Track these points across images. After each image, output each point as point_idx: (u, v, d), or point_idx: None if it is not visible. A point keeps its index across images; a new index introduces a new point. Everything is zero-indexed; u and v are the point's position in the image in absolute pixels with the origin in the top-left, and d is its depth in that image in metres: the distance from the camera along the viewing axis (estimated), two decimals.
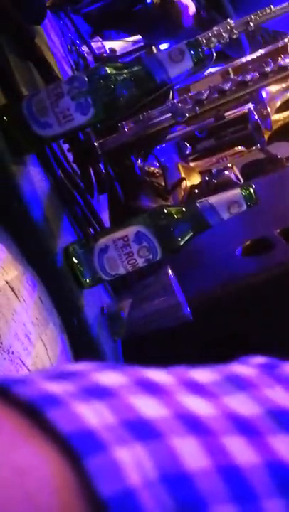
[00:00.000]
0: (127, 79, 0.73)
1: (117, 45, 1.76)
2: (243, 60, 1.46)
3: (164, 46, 1.92)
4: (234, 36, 0.82)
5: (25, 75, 0.86)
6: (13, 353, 0.57)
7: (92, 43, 1.59)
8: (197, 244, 1.06)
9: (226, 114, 1.41)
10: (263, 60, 1.26)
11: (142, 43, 1.80)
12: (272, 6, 0.90)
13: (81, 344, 0.79)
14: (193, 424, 0.18)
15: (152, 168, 1.57)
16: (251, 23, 0.87)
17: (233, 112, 1.53)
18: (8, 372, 0.55)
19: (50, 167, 0.85)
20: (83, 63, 1.48)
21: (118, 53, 1.72)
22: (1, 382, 0.18)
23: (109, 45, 1.72)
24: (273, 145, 1.80)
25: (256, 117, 1.57)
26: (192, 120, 1.29)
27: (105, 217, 1.19)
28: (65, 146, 1.02)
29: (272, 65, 1.21)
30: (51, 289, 0.75)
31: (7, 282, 0.61)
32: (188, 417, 0.19)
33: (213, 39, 0.79)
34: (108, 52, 1.67)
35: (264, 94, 1.52)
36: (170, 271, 0.92)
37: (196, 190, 1.66)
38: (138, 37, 1.85)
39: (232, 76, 1.37)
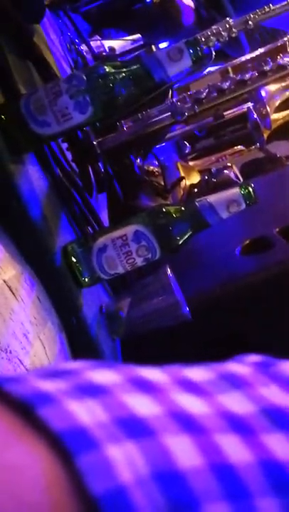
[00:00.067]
0: (126, 78, 0.73)
1: (116, 44, 1.75)
2: (243, 58, 1.46)
3: (163, 45, 1.91)
4: (233, 35, 0.82)
5: (24, 73, 0.86)
6: (11, 352, 0.57)
7: (91, 42, 1.59)
8: (196, 243, 1.07)
9: (226, 113, 1.40)
10: (262, 58, 1.26)
11: (142, 42, 1.79)
12: (271, 5, 0.90)
13: (80, 343, 0.79)
14: (187, 423, 0.18)
15: (151, 167, 1.57)
16: (250, 22, 0.87)
17: (232, 110, 1.53)
18: (6, 371, 0.55)
19: (49, 166, 0.85)
20: (82, 62, 1.48)
21: (117, 52, 1.71)
22: None
23: (108, 43, 1.72)
24: (273, 144, 1.80)
25: (255, 116, 1.56)
26: (191, 119, 1.28)
27: (104, 216, 1.19)
28: (64, 145, 1.02)
29: (271, 63, 1.21)
30: (50, 288, 0.74)
31: (5, 281, 0.61)
32: (182, 415, 0.18)
33: (212, 38, 0.79)
34: (107, 51, 1.67)
35: (263, 93, 1.52)
36: (169, 270, 0.92)
37: (196, 190, 1.66)
38: (137, 36, 1.85)
39: (231, 75, 1.36)
